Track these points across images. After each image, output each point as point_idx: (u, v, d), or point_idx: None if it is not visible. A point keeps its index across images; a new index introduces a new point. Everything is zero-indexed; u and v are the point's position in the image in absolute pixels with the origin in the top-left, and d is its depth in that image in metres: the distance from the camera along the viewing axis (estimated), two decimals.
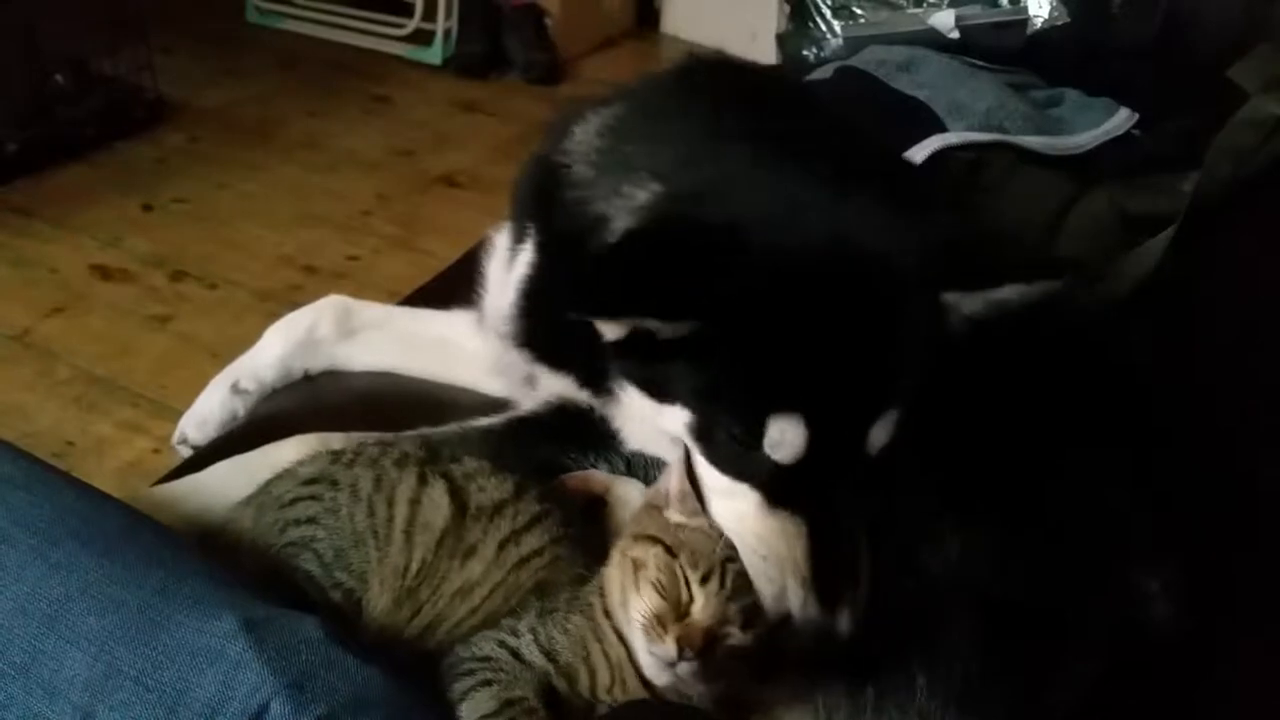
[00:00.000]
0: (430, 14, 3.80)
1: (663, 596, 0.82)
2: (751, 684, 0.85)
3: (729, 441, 0.87)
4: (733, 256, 0.85)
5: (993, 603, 0.87)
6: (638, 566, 0.84)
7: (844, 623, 0.85)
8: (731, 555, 0.85)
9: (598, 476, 1.04)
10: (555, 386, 1.09)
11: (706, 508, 0.90)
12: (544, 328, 1.07)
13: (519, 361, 1.13)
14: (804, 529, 0.86)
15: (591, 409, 1.05)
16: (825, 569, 0.85)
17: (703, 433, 0.89)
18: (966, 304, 0.90)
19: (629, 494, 1.02)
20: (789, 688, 0.86)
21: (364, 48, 3.91)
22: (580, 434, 1.06)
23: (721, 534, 0.87)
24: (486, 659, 0.83)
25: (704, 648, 0.80)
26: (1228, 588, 0.95)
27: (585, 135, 1.05)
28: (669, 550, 0.84)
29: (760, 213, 0.88)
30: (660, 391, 0.90)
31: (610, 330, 0.89)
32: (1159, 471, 0.97)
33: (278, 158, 3.24)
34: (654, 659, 0.81)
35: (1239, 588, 0.96)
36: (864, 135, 1.12)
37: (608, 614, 0.86)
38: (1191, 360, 1.19)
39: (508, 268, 1.14)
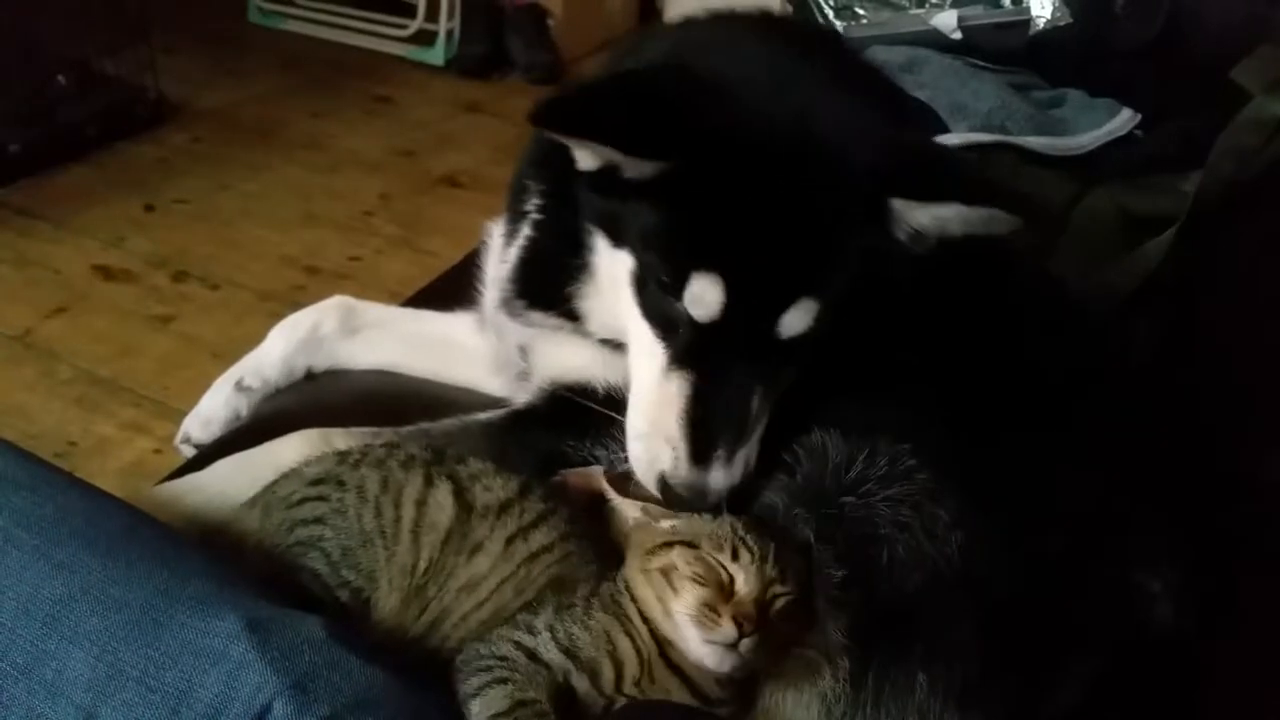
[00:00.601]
0: (432, 15, 3.81)
1: (705, 584, 0.82)
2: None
3: (656, 290, 0.92)
4: (708, 109, 0.89)
5: (994, 601, 0.87)
6: (667, 572, 0.84)
7: (716, 479, 0.90)
8: (743, 525, 0.86)
9: (599, 474, 1.04)
10: (548, 352, 1.11)
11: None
12: (539, 277, 1.10)
13: (512, 344, 1.16)
14: (687, 393, 0.91)
15: (587, 390, 1.08)
16: (700, 432, 0.90)
17: (640, 281, 0.94)
18: (911, 215, 0.91)
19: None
20: (788, 680, 0.86)
21: (366, 48, 3.91)
22: (575, 422, 1.07)
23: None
24: (503, 658, 0.83)
25: (760, 618, 0.81)
26: (1228, 588, 0.94)
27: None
28: (689, 545, 0.85)
29: (747, 78, 0.93)
30: (616, 233, 0.95)
31: (584, 159, 0.93)
32: (1161, 471, 0.97)
33: (280, 158, 3.25)
34: (714, 647, 0.81)
35: (1239, 588, 0.96)
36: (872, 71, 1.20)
37: (646, 620, 0.85)
38: (1193, 360, 1.19)
39: (505, 248, 1.16)
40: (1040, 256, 1.42)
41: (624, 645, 0.85)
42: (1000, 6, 1.95)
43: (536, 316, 1.10)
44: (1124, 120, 1.72)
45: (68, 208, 2.87)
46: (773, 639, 0.82)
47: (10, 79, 2.93)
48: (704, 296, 0.89)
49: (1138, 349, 1.20)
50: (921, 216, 0.91)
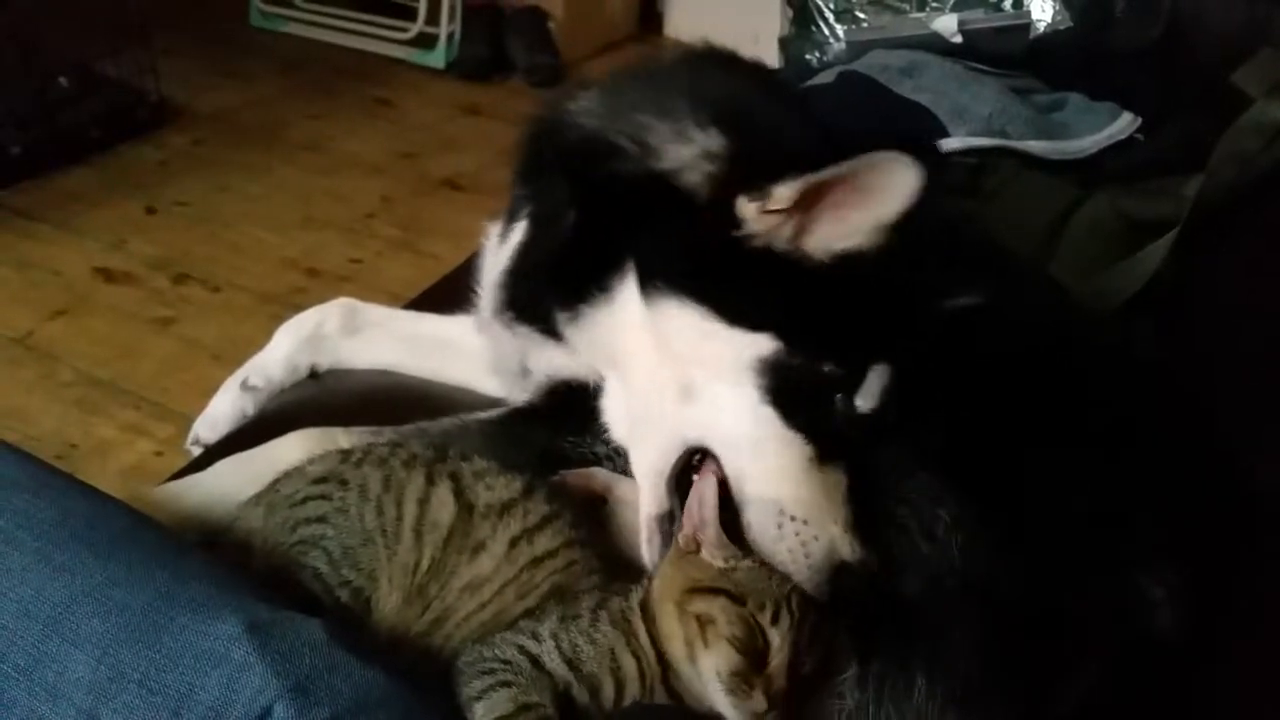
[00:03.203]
0: (433, 17, 3.81)
1: (741, 652, 0.80)
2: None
3: (811, 384, 0.88)
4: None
5: (994, 605, 0.87)
6: (704, 622, 0.82)
7: (866, 560, 0.87)
8: (792, 587, 0.84)
9: (599, 475, 1.04)
10: (543, 355, 1.10)
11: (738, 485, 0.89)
12: (528, 288, 1.08)
13: (509, 346, 1.14)
14: (844, 480, 0.88)
15: (585, 387, 1.06)
16: (863, 516, 0.87)
17: (781, 370, 0.88)
18: None
19: (630, 495, 1.02)
20: None
21: (367, 51, 3.91)
22: (574, 419, 1.07)
23: (774, 570, 0.86)
24: (507, 662, 0.82)
25: (789, 688, 0.80)
26: (1229, 591, 0.94)
27: (590, 97, 1.07)
28: (735, 599, 0.82)
29: None
30: (743, 313, 0.89)
31: (780, 199, 0.88)
32: (1161, 475, 0.97)
33: (280, 160, 3.25)
34: (741, 713, 0.80)
35: (1240, 591, 0.96)
36: None
37: (656, 644, 0.84)
38: (1193, 363, 1.19)
39: (499, 247, 1.16)
40: (1040, 260, 1.43)
41: (628, 664, 0.83)
42: (1000, 10, 1.95)
43: (523, 330, 1.09)
44: (1124, 124, 1.72)
45: (69, 210, 2.88)
46: (798, 698, 0.81)
47: (12, 81, 2.93)
48: (875, 389, 0.87)
49: (1138, 352, 1.20)
50: None
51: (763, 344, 0.89)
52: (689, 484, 0.93)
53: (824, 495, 0.88)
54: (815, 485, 0.88)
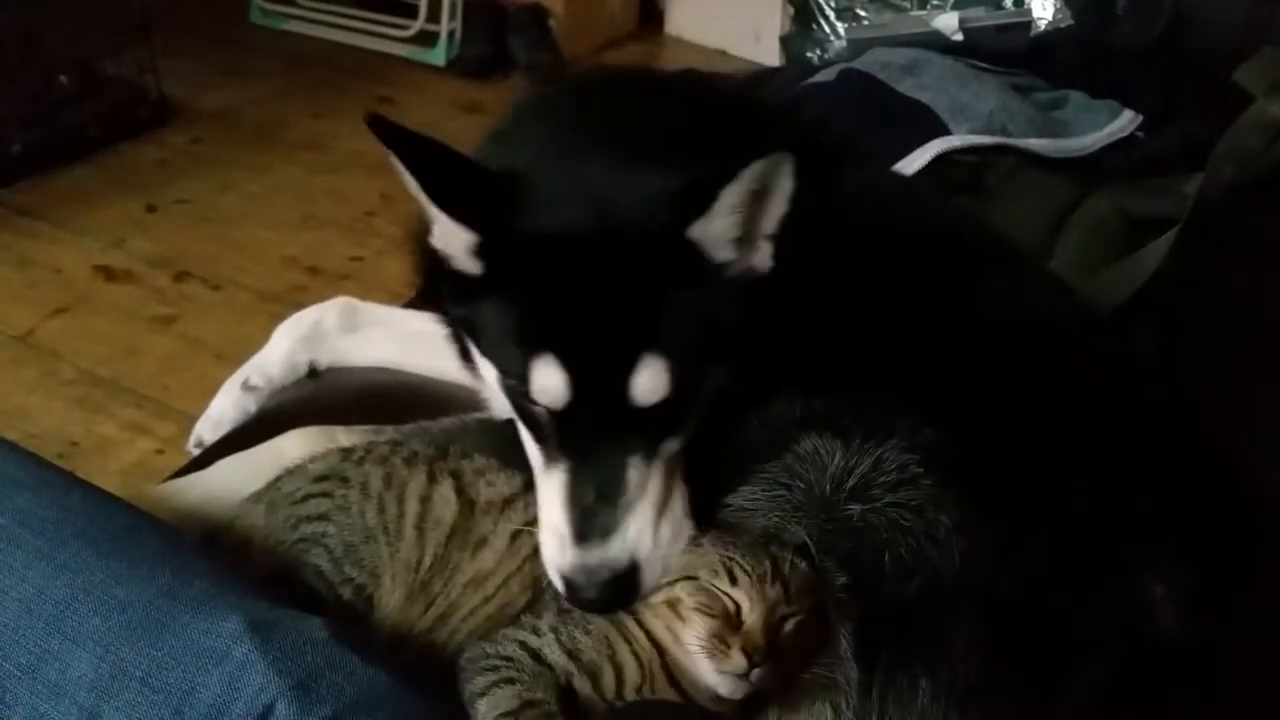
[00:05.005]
0: (434, 15, 3.81)
1: (712, 614, 0.81)
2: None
3: (512, 391, 0.91)
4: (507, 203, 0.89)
5: (997, 605, 0.87)
6: (673, 605, 0.84)
7: (596, 555, 0.86)
8: (734, 547, 0.85)
9: None
10: None
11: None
12: None
13: None
14: (564, 482, 0.88)
15: None
16: (577, 516, 0.87)
17: (502, 384, 0.92)
18: (711, 232, 0.86)
19: None
20: (799, 693, 0.85)
21: (368, 49, 3.91)
22: None
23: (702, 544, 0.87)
24: (509, 658, 0.83)
25: (770, 645, 0.80)
26: (1231, 592, 0.94)
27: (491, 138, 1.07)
28: (688, 578, 0.84)
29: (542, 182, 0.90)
30: (478, 340, 0.94)
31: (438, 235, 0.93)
32: (1162, 474, 0.97)
33: (281, 159, 3.25)
34: (726, 676, 0.80)
35: (1242, 592, 0.96)
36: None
37: (645, 628, 0.85)
38: (1195, 362, 1.19)
39: None
40: (1040, 258, 1.43)
41: (624, 651, 0.84)
42: (1001, 8, 1.96)
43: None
44: (1125, 122, 1.72)
45: (70, 208, 2.88)
46: (785, 662, 0.81)
47: (13, 80, 2.93)
48: (547, 383, 0.86)
49: (1139, 352, 1.20)
50: (719, 226, 0.86)
51: (489, 366, 0.93)
52: None
53: (550, 502, 0.89)
54: (545, 494, 0.90)
